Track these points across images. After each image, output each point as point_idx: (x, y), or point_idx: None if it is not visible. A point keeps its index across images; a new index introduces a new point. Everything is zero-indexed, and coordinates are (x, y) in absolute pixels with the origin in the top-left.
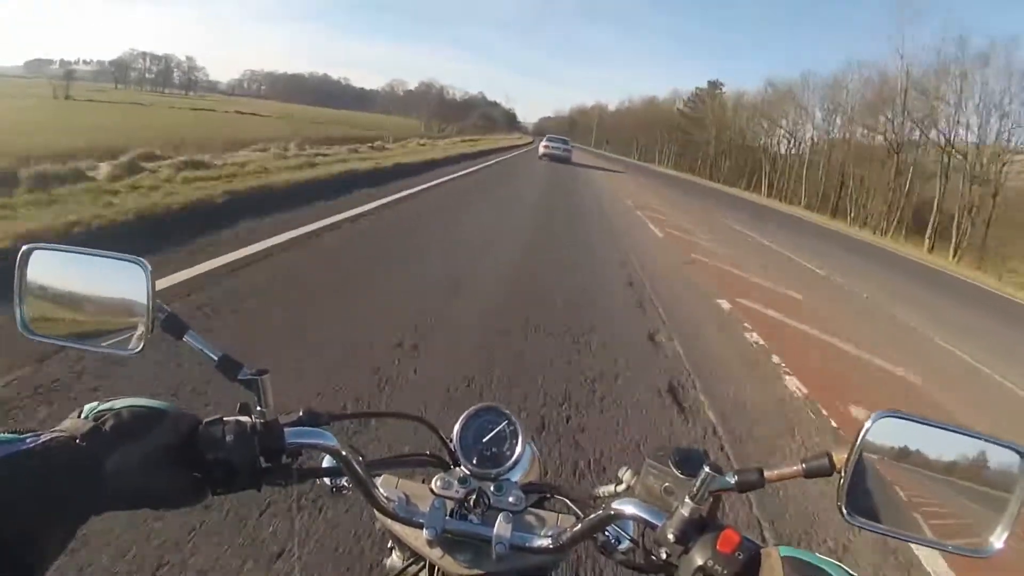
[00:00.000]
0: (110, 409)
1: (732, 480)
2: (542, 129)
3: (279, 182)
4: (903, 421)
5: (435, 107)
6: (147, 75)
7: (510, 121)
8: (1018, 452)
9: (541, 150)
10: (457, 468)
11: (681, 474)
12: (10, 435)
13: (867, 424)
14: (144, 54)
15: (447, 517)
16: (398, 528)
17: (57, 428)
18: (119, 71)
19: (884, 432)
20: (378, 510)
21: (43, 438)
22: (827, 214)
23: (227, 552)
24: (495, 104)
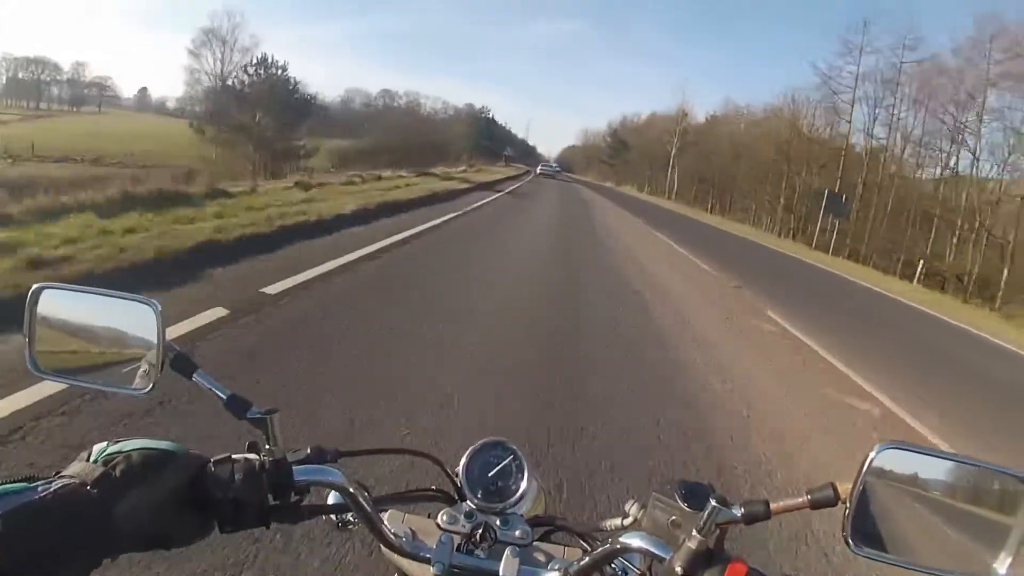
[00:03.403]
0: (119, 452)
1: (738, 512)
2: (562, 159)
3: None
4: (906, 452)
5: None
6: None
7: (494, 147)
8: (1020, 479)
9: (538, 171)
10: (463, 503)
11: (687, 507)
12: (20, 484)
13: (871, 455)
14: (14, 59)
15: (454, 552)
16: (405, 563)
17: (66, 473)
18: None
19: (888, 462)
20: (385, 545)
21: (54, 485)
22: None
23: None
24: (492, 121)
